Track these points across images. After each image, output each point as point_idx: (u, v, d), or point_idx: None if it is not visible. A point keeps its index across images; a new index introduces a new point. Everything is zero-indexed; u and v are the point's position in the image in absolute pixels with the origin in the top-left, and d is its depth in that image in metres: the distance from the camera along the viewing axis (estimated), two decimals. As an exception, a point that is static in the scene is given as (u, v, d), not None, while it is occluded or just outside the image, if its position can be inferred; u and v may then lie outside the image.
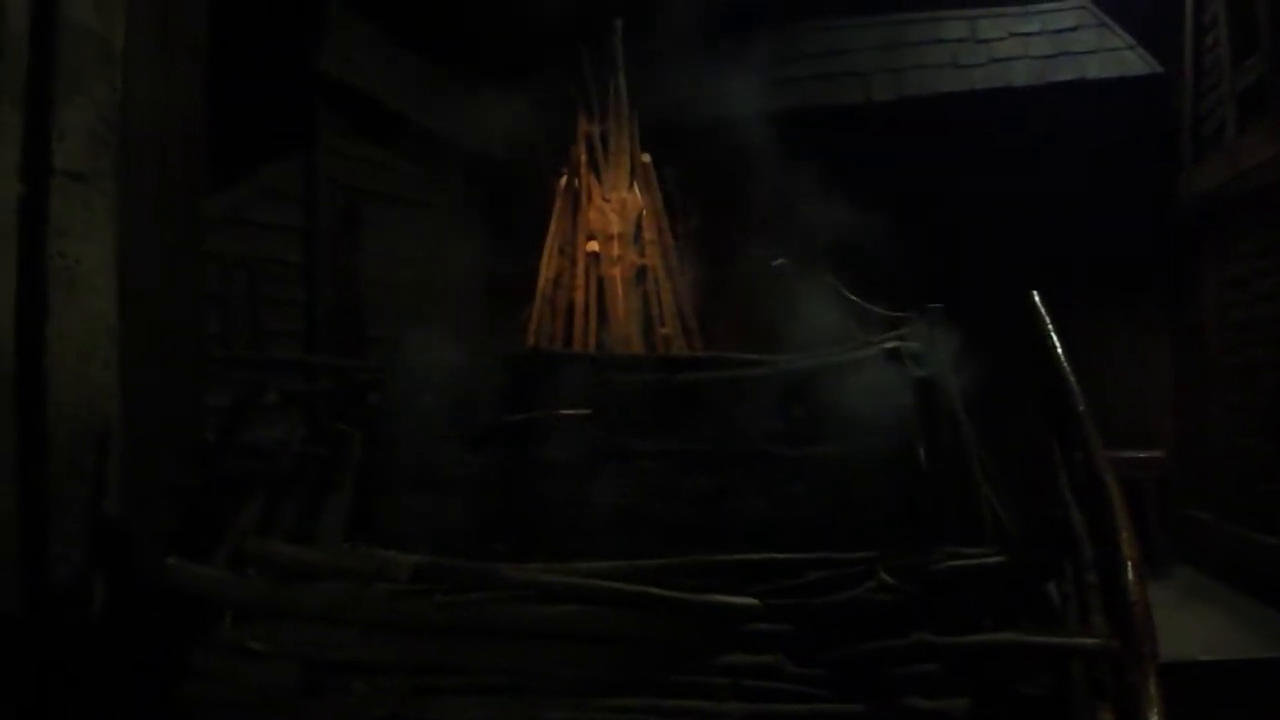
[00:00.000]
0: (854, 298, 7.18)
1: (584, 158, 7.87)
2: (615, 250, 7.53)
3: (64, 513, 4.28)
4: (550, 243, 7.85)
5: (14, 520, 4.13)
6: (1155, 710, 3.25)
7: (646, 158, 8.01)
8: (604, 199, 7.71)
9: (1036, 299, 5.18)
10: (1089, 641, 3.63)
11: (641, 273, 7.56)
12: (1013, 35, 10.49)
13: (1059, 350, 4.85)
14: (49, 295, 4.27)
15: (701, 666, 3.80)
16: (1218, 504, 8.54)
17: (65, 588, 4.24)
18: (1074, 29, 10.35)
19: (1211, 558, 8.42)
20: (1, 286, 4.14)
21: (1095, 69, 10.05)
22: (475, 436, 5.66)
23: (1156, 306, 9.99)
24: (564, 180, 8.02)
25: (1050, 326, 5.00)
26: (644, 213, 7.68)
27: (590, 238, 7.62)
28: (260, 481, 5.22)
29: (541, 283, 7.70)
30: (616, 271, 7.47)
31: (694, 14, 8.20)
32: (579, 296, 7.51)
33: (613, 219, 7.59)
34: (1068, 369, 4.70)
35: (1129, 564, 3.67)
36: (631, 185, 7.80)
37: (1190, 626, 6.63)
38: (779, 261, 7.53)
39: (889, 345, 5.86)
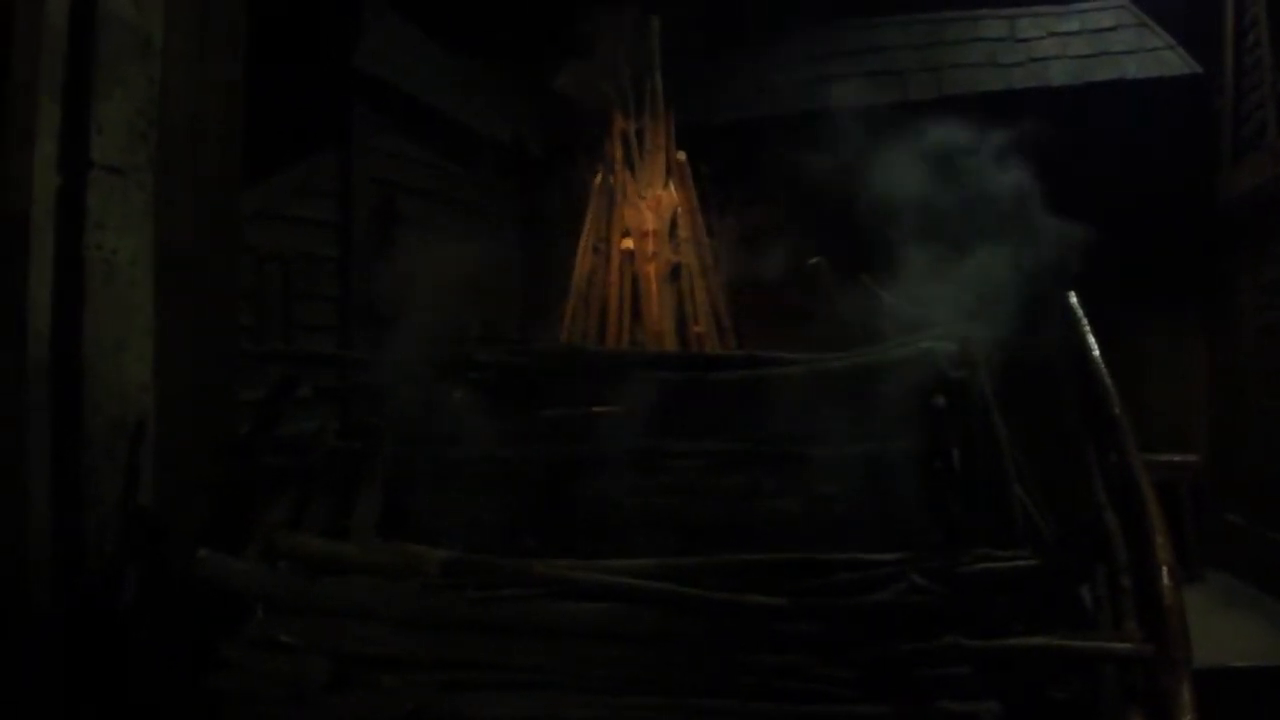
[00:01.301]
0: (889, 297, 7.15)
1: (619, 155, 7.87)
2: (650, 247, 7.53)
3: (97, 503, 4.32)
4: (585, 239, 7.85)
5: (48, 510, 4.16)
6: (1188, 717, 3.23)
7: (682, 155, 8.00)
8: (639, 196, 7.71)
9: (1073, 300, 5.14)
10: (1122, 647, 3.61)
11: (676, 270, 7.56)
12: (1052, 35, 10.42)
13: (1095, 351, 4.81)
14: (86, 287, 4.31)
15: (730, 666, 3.80)
16: (1252, 508, 8.46)
17: (97, 578, 4.27)
18: (1113, 29, 10.28)
19: (1246, 562, 8.35)
20: (39, 278, 4.18)
21: (1134, 69, 9.98)
22: (507, 432, 5.66)
23: (1193, 308, 9.92)
24: (599, 177, 8.02)
25: (1086, 327, 4.96)
26: (679, 210, 7.68)
27: (625, 235, 7.62)
28: (292, 475, 5.24)
29: (576, 279, 7.71)
30: (651, 269, 7.47)
31: (730, 12, 8.19)
32: (613, 293, 7.51)
33: (648, 216, 7.59)
34: (1103, 370, 4.66)
35: (1164, 569, 3.65)
36: (667, 183, 7.80)
37: (1224, 632, 6.57)
38: (814, 260, 7.50)
39: (923, 345, 5.83)
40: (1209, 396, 9.81)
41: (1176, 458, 8.71)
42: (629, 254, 7.54)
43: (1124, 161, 9.59)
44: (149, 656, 4.20)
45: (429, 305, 6.38)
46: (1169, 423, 9.47)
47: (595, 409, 5.72)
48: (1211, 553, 8.59)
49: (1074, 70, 10.16)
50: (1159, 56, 9.99)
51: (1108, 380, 4.59)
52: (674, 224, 7.68)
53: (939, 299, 6.18)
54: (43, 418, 4.18)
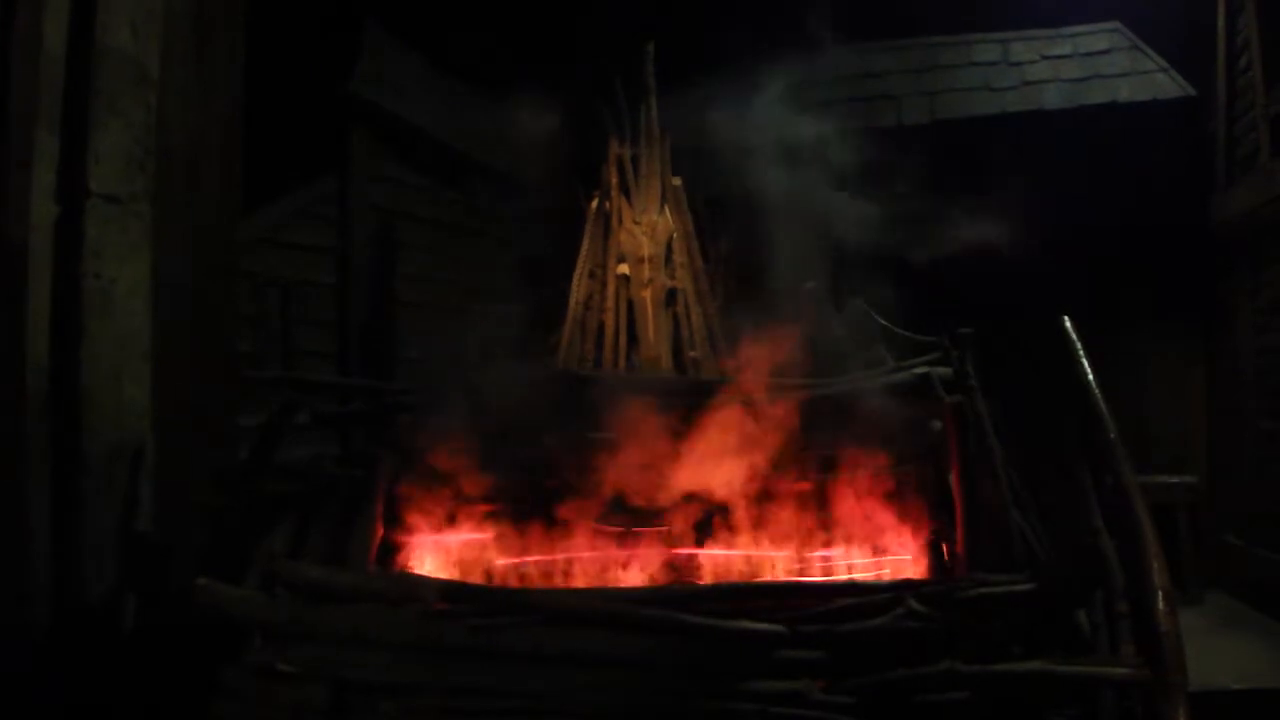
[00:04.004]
0: (884, 322, 7.17)
1: (615, 181, 7.87)
2: (646, 273, 7.52)
3: (96, 530, 4.32)
4: (581, 265, 7.85)
5: (47, 536, 4.17)
6: (1185, 741, 3.24)
7: (677, 181, 8.01)
8: (635, 222, 7.71)
9: (1068, 324, 5.15)
10: (1119, 671, 3.61)
11: (672, 295, 7.56)
12: (1045, 58, 10.45)
13: (1090, 376, 4.82)
14: (84, 316, 4.32)
15: (729, 693, 3.80)
16: (1251, 529, 8.46)
17: (96, 604, 4.27)
18: (1106, 52, 10.31)
19: (1244, 584, 8.34)
20: (37, 306, 4.19)
21: (1127, 92, 10.02)
22: (506, 459, 5.67)
23: (1190, 331, 9.92)
24: (595, 203, 8.03)
25: (1081, 352, 4.97)
26: (674, 236, 7.68)
27: (621, 260, 7.62)
28: (292, 502, 5.25)
29: (572, 305, 7.70)
30: (647, 294, 7.46)
31: (726, 37, 8.22)
32: (609, 319, 7.50)
33: (643, 242, 7.59)
34: (1098, 395, 4.67)
35: (1160, 593, 3.65)
36: (662, 208, 7.80)
37: (1222, 654, 6.56)
38: (810, 285, 7.53)
39: (919, 370, 5.85)
40: (1207, 418, 9.80)
41: (1174, 479, 8.71)
42: (625, 279, 7.55)
43: (1119, 184, 9.61)
44: (148, 682, 4.19)
45: (427, 331, 6.41)
46: (1168, 444, 9.48)
47: (593, 434, 5.74)
48: (1210, 574, 8.59)
49: (1067, 93, 10.19)
50: (1152, 79, 10.03)
51: (1102, 405, 4.60)
52: (669, 249, 7.68)
53: (933, 321, 6.22)
54: (42, 445, 4.19)
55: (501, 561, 5.59)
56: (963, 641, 3.85)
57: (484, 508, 5.62)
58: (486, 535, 5.61)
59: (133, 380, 4.56)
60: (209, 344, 5.28)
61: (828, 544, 5.50)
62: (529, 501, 5.64)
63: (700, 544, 5.58)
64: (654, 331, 7.40)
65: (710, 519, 5.59)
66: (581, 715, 3.80)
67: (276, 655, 3.96)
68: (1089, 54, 10.36)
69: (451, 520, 5.57)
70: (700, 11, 9.16)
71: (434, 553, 5.55)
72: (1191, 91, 9.80)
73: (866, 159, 7.59)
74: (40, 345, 4.20)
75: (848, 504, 5.51)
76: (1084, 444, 4.73)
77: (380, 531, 5.34)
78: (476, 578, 5.48)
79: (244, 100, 5.55)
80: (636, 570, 5.53)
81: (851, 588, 4.26)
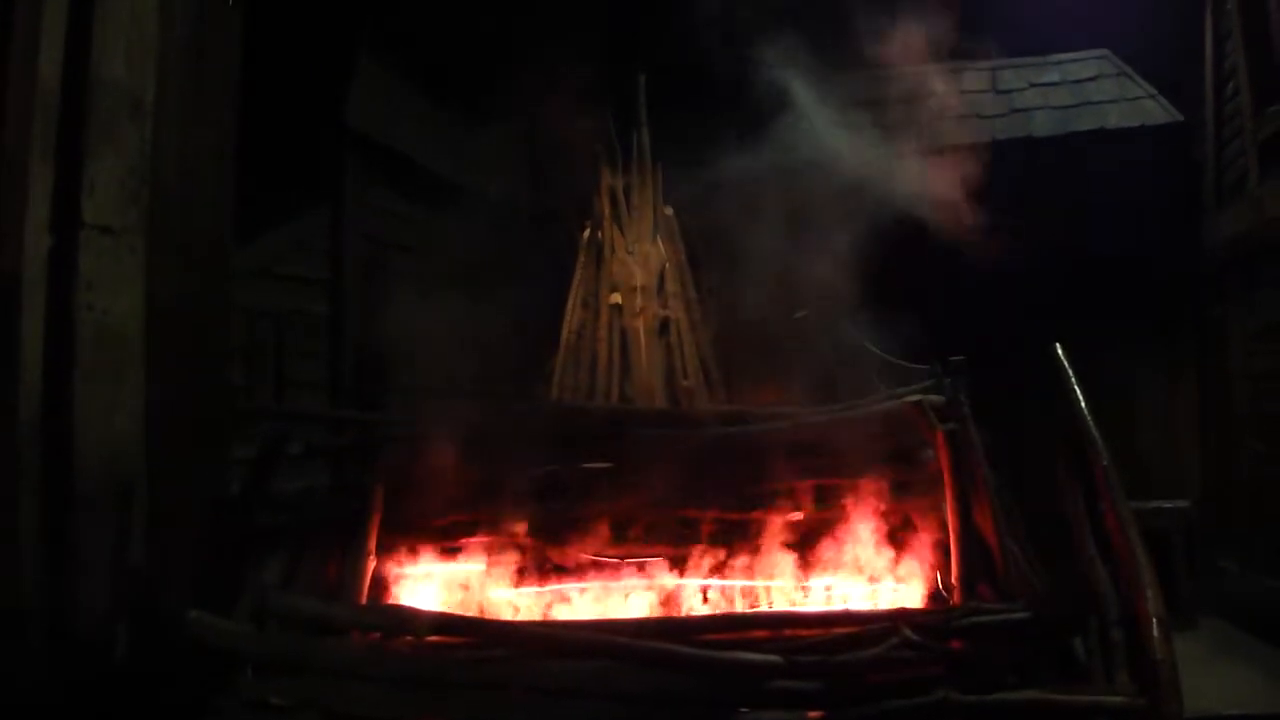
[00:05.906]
0: (877, 350, 7.17)
1: (607, 210, 7.88)
2: (638, 302, 7.52)
3: (89, 560, 4.30)
4: (574, 295, 7.85)
5: (40, 566, 4.15)
6: (1182, 769, 3.24)
7: (669, 210, 8.02)
8: (627, 251, 7.72)
9: (1059, 351, 5.16)
10: (1114, 700, 3.62)
11: (664, 325, 7.56)
12: (1033, 86, 10.50)
13: (1082, 403, 4.83)
14: (77, 346, 4.31)
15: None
16: (1246, 554, 8.46)
17: (89, 634, 4.26)
18: (1094, 79, 10.37)
19: (1240, 609, 8.33)
20: (30, 337, 4.18)
21: (1116, 118, 10.05)
22: (499, 490, 5.66)
23: (1183, 355, 9.93)
24: (587, 233, 8.03)
25: (1073, 378, 4.98)
26: (667, 265, 7.69)
27: (613, 290, 7.62)
28: (284, 533, 5.23)
29: (565, 335, 7.70)
30: (639, 324, 7.45)
31: (716, 66, 8.25)
32: (602, 348, 7.49)
33: (636, 271, 7.59)
34: (1090, 422, 4.68)
35: (1154, 620, 3.66)
36: (654, 238, 7.80)
37: (1217, 680, 6.54)
38: (801, 313, 7.52)
39: (913, 398, 5.85)
40: (1201, 443, 9.80)
41: (1168, 504, 8.69)
42: (617, 309, 7.54)
43: (1109, 209, 9.63)
44: (141, 713, 4.17)
45: (420, 361, 6.40)
46: (1161, 469, 9.47)
47: (586, 465, 5.73)
48: (1205, 599, 8.57)
49: (1056, 120, 10.23)
50: (1140, 105, 10.08)
51: (1095, 431, 4.61)
52: (662, 279, 7.69)
53: (925, 349, 6.22)
54: (34, 475, 4.17)
55: (496, 593, 5.57)
56: (958, 671, 3.84)
57: (478, 539, 5.62)
58: (480, 567, 5.61)
59: (125, 411, 4.55)
60: (202, 375, 5.27)
61: (822, 573, 5.49)
62: (523, 533, 5.63)
63: (696, 574, 5.57)
64: (647, 361, 7.39)
65: (705, 549, 5.59)
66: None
67: (268, 687, 3.95)
68: (1078, 81, 10.42)
69: (445, 552, 5.57)
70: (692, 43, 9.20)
71: (427, 584, 5.53)
72: (1180, 117, 9.84)
73: (857, 185, 7.60)
74: (33, 375, 4.19)
75: (841, 533, 5.51)
76: (1077, 470, 4.73)
77: (373, 563, 5.32)
78: (470, 609, 5.46)
79: (238, 130, 5.56)
80: (633, 601, 5.52)
81: (846, 617, 4.25)
